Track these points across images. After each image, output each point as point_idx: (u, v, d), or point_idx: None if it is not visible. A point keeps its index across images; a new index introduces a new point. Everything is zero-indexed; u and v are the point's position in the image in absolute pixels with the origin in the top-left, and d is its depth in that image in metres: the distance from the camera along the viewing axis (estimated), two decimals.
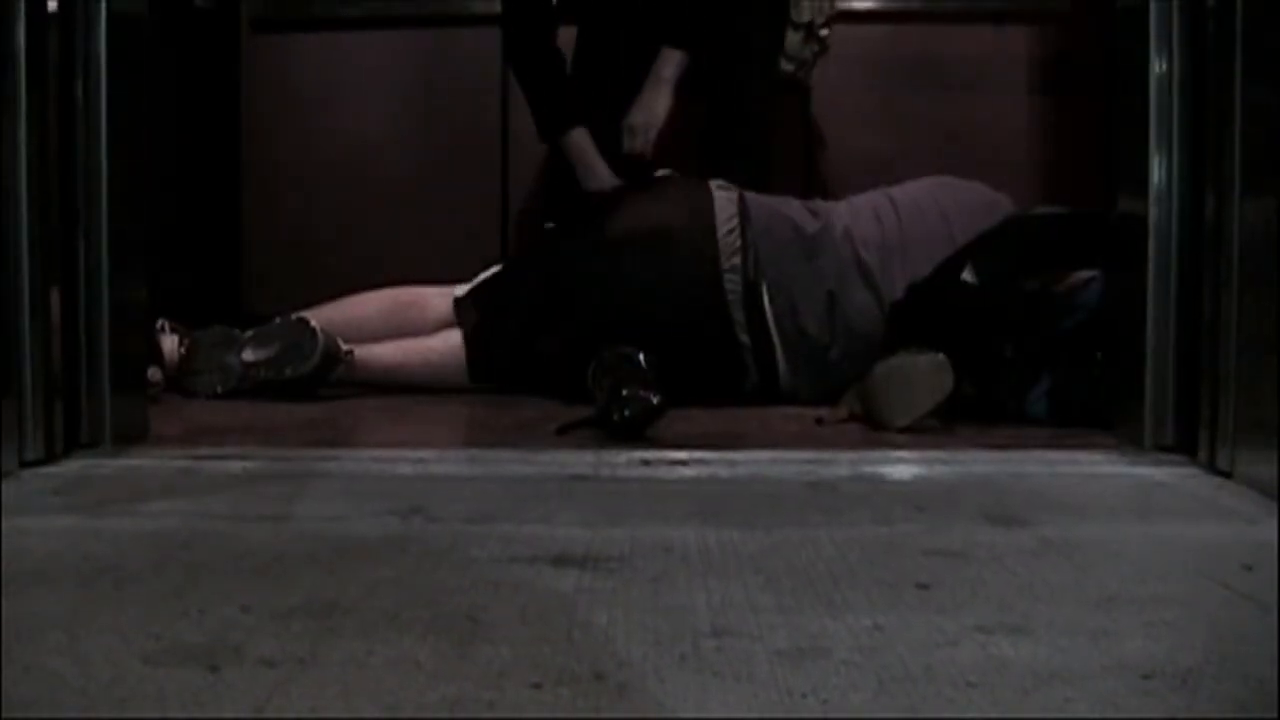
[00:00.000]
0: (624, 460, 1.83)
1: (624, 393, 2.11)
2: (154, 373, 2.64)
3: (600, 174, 3.10)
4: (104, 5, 1.88)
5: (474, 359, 2.79)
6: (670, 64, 3.11)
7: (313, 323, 2.68)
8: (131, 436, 1.96)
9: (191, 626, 1.02)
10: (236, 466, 1.78)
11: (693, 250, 2.68)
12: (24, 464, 1.73)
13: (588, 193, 3.09)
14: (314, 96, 3.70)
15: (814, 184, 3.53)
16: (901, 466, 1.83)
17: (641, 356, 2.28)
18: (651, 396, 2.11)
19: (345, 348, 2.72)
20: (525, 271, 2.86)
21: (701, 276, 2.66)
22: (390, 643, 0.97)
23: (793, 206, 2.80)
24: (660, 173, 2.95)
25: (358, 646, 0.96)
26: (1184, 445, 1.87)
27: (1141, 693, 0.88)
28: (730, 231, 2.69)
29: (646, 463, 1.82)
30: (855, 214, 2.78)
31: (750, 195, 2.78)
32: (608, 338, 2.42)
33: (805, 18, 3.34)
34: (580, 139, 3.12)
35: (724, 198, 2.74)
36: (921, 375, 2.22)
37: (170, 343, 2.80)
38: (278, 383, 2.67)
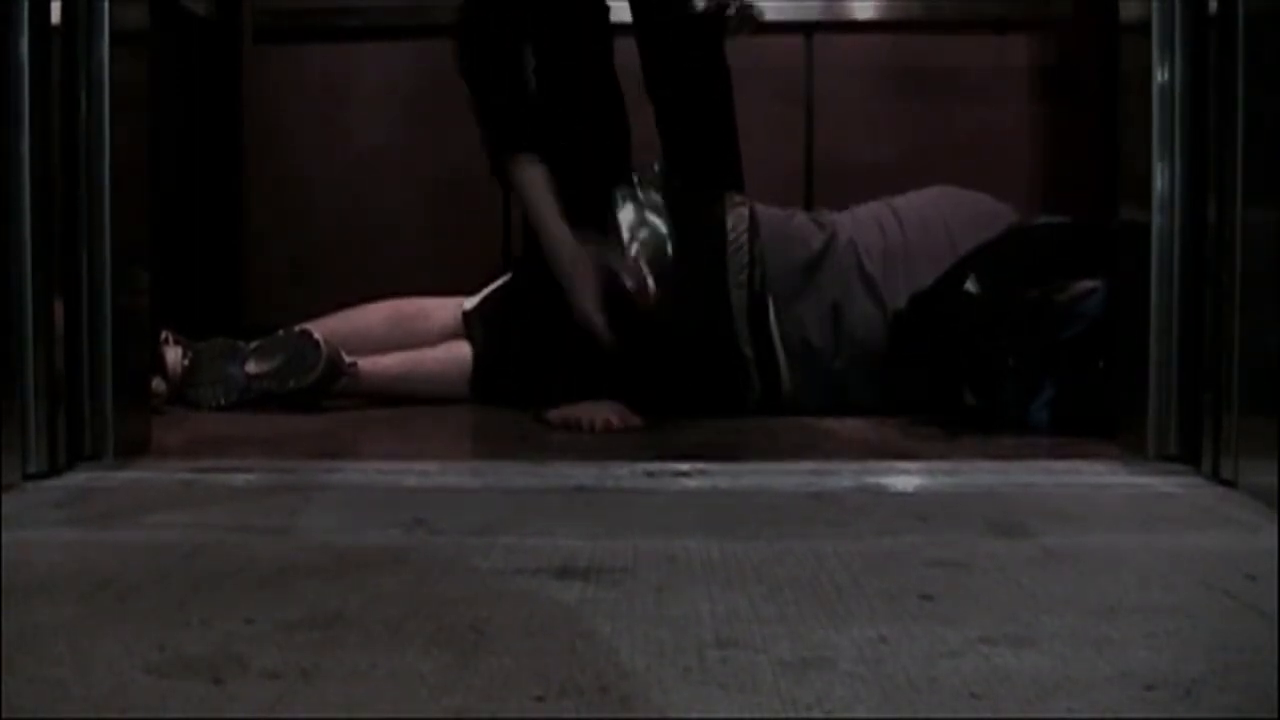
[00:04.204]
0: (627, 471, 1.83)
1: None
2: (157, 384, 2.64)
3: (551, 228, 2.61)
4: (107, 16, 1.88)
5: (480, 380, 2.79)
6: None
7: (316, 334, 2.68)
8: (135, 448, 1.96)
9: (195, 638, 1.02)
10: (239, 479, 1.78)
11: (700, 266, 2.68)
12: (27, 476, 1.74)
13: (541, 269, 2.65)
14: (316, 107, 3.70)
15: (815, 194, 3.53)
16: (904, 477, 1.83)
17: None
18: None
19: (349, 359, 2.72)
20: (532, 287, 2.85)
21: (708, 292, 2.65)
22: (393, 654, 0.97)
23: (799, 219, 2.80)
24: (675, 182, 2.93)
25: (361, 658, 0.96)
26: (1187, 455, 1.87)
27: (1145, 703, 0.88)
28: (739, 249, 2.68)
29: (650, 474, 1.82)
30: (858, 224, 2.78)
31: (761, 209, 2.78)
32: (611, 350, 2.44)
33: None
34: (534, 170, 2.65)
35: (736, 214, 2.73)
36: None
37: (173, 354, 2.80)
38: (281, 394, 2.67)
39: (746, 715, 0.86)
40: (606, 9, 2.80)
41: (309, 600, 1.14)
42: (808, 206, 3.22)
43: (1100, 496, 1.71)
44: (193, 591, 1.17)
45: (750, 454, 2.13)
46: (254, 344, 2.74)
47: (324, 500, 1.64)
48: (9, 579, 1.19)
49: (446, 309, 2.95)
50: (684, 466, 1.88)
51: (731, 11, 2.91)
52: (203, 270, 3.47)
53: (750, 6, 2.92)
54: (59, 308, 1.82)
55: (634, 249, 2.55)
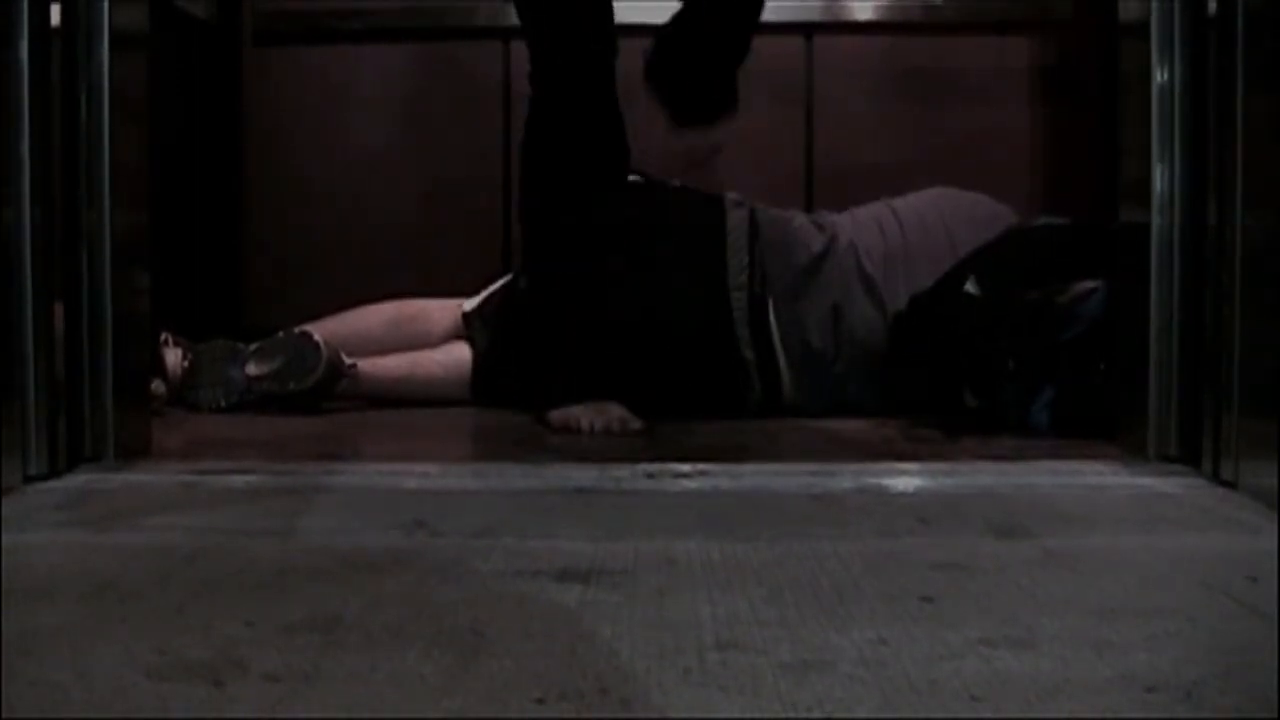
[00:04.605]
0: (628, 473, 1.83)
1: None
2: (157, 386, 2.64)
3: None
4: (106, 19, 1.88)
5: (480, 381, 2.79)
6: None
7: (316, 336, 2.68)
8: (135, 450, 1.96)
9: (195, 641, 1.02)
10: (240, 481, 1.78)
11: (700, 270, 2.67)
12: (27, 478, 1.74)
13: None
14: (316, 109, 3.70)
15: (815, 196, 3.53)
16: (905, 478, 1.83)
17: None
18: None
19: (349, 361, 2.72)
20: (532, 288, 2.84)
21: (708, 296, 2.65)
22: (394, 657, 0.97)
23: (799, 221, 2.80)
24: (674, 184, 2.92)
25: (361, 661, 0.96)
26: (1188, 456, 1.87)
27: (1145, 705, 0.88)
28: (739, 250, 2.68)
29: (651, 475, 1.82)
30: (858, 226, 2.77)
31: (760, 211, 2.77)
32: (612, 355, 2.44)
33: None
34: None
35: (736, 216, 2.73)
36: None
37: (173, 356, 2.80)
38: (281, 396, 2.67)
39: (747, 717, 0.86)
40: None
41: (309, 603, 1.14)
42: (808, 208, 3.22)
43: (1100, 498, 1.71)
44: (193, 594, 1.17)
45: (750, 456, 2.12)
46: (254, 346, 2.74)
47: (324, 502, 1.64)
48: (9, 582, 1.19)
49: (446, 310, 2.95)
50: (684, 468, 1.88)
51: None
52: (203, 272, 3.47)
53: None
54: (59, 310, 1.82)
55: None
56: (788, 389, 2.66)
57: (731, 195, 2.81)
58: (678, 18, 2.57)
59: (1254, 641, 1.03)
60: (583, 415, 2.40)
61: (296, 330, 2.72)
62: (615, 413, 2.41)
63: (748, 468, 1.90)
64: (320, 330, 2.74)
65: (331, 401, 2.72)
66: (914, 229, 2.75)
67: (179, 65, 3.38)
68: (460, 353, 2.84)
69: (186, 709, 0.87)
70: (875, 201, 2.89)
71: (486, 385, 2.79)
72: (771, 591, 1.18)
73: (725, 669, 0.95)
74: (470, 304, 2.91)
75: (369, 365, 2.76)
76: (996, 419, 2.34)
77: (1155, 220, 1.92)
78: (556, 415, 2.43)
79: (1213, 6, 1.81)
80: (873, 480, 1.80)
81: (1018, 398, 2.35)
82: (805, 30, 3.58)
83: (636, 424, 2.40)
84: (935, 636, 1.03)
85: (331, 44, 3.70)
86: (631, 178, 2.86)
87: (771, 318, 2.65)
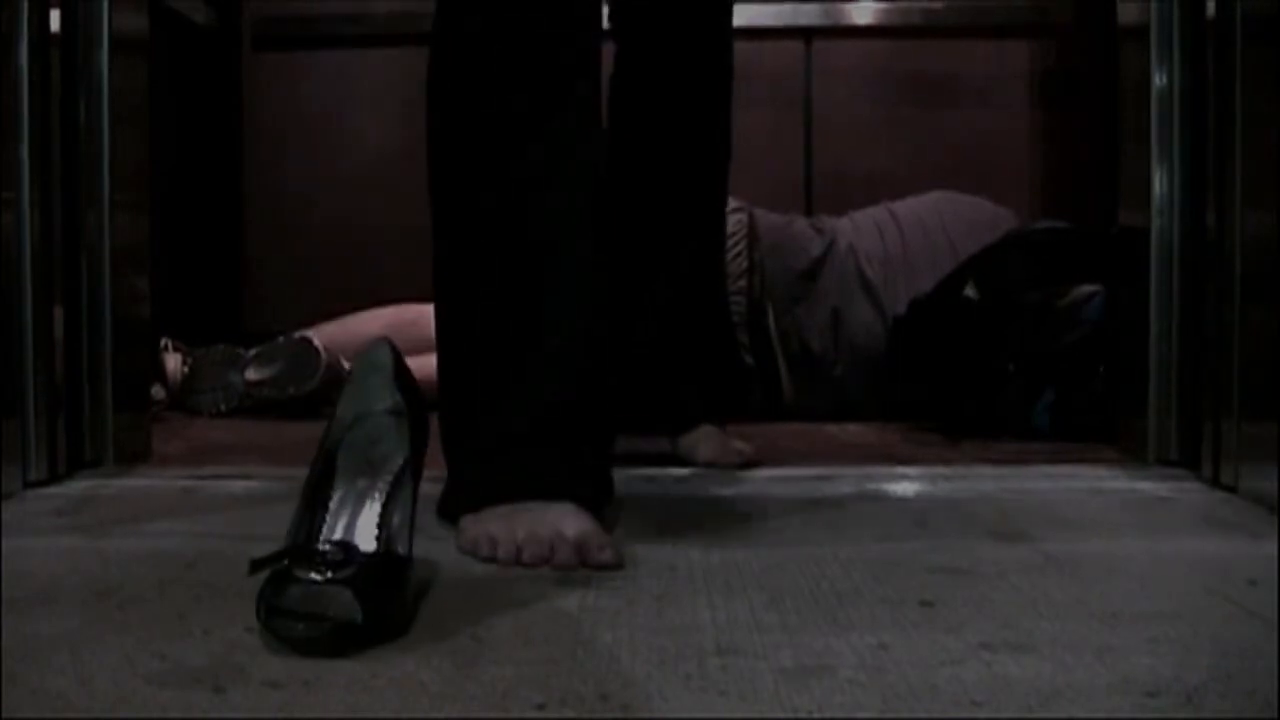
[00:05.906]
0: (627, 477, 1.83)
1: None
2: (157, 391, 2.64)
3: None
4: (106, 25, 1.89)
5: None
6: None
7: (316, 341, 2.68)
8: (135, 456, 1.96)
9: (196, 647, 1.02)
10: (239, 486, 1.78)
11: None
12: (27, 484, 1.74)
13: None
14: (316, 114, 3.70)
15: (815, 200, 3.53)
16: (905, 483, 1.83)
17: None
18: None
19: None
20: None
21: None
22: (394, 663, 0.97)
23: (798, 225, 2.80)
24: None
25: (361, 668, 0.96)
26: (1188, 459, 1.87)
27: (1146, 710, 0.87)
28: (738, 255, 2.68)
29: (650, 479, 1.82)
30: (858, 230, 2.78)
31: (760, 214, 2.78)
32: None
33: None
34: None
35: (734, 220, 2.73)
36: None
37: (173, 361, 2.80)
38: (281, 401, 2.67)
39: None
40: None
41: None
42: (807, 212, 3.22)
43: (1100, 502, 1.71)
44: (194, 600, 1.17)
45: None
46: (254, 351, 2.74)
47: None
48: (9, 587, 1.19)
49: None
50: (684, 472, 1.88)
51: None
52: (203, 277, 3.47)
53: None
54: (59, 315, 1.82)
55: None
56: (788, 392, 2.66)
57: (730, 199, 2.80)
58: None
59: (1255, 645, 1.03)
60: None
61: (296, 335, 2.73)
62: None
63: (747, 472, 1.90)
64: (320, 335, 2.74)
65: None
66: (914, 232, 2.75)
67: (178, 70, 3.38)
68: None
69: (187, 715, 0.86)
70: (875, 205, 2.89)
71: None
72: (772, 596, 1.18)
73: (725, 674, 0.95)
74: None
75: None
76: (996, 423, 2.34)
77: (1155, 224, 1.93)
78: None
79: (1211, 10, 1.82)
80: (873, 485, 1.80)
81: (1017, 401, 2.35)
82: (804, 34, 3.58)
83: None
84: (935, 641, 1.03)
85: (330, 49, 3.70)
86: None
87: (771, 321, 2.65)
